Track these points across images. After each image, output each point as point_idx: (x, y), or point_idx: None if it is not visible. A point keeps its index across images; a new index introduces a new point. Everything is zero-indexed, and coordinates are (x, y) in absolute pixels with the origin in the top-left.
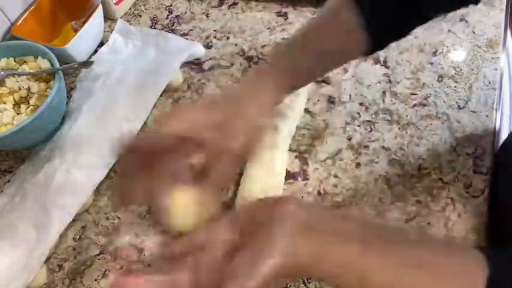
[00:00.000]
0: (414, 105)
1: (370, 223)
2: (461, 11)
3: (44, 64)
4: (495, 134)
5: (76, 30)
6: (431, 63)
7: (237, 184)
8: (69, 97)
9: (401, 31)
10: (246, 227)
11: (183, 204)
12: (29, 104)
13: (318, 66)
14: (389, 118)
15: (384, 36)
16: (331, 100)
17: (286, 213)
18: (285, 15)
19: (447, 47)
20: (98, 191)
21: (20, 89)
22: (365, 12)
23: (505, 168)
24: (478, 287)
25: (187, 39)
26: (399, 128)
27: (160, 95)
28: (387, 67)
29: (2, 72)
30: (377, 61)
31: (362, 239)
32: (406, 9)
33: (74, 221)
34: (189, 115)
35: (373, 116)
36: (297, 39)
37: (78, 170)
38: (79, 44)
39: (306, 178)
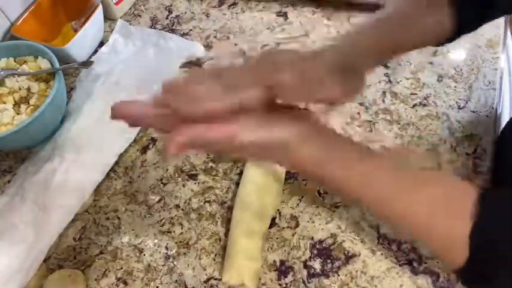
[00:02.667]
0: (414, 105)
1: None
2: None
3: (44, 64)
4: (495, 134)
5: (76, 30)
6: (431, 63)
7: (237, 184)
8: (69, 97)
9: (484, 18)
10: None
11: None
12: (29, 104)
13: (403, 41)
14: (389, 118)
15: (470, 20)
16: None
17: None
18: (285, 15)
19: (447, 47)
20: (98, 191)
21: (20, 89)
22: None
23: (504, 169)
24: (467, 204)
25: (187, 39)
26: (399, 128)
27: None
28: (387, 67)
29: (2, 72)
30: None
31: (366, 153)
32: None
33: (74, 221)
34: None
35: (373, 116)
36: (379, 18)
37: (78, 170)
38: (79, 44)
39: (306, 178)
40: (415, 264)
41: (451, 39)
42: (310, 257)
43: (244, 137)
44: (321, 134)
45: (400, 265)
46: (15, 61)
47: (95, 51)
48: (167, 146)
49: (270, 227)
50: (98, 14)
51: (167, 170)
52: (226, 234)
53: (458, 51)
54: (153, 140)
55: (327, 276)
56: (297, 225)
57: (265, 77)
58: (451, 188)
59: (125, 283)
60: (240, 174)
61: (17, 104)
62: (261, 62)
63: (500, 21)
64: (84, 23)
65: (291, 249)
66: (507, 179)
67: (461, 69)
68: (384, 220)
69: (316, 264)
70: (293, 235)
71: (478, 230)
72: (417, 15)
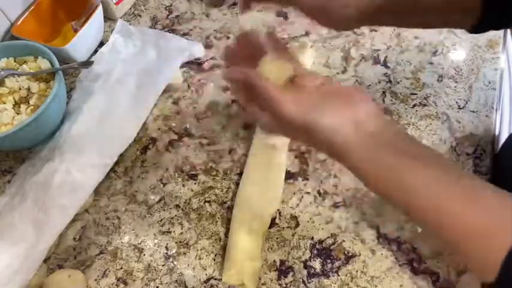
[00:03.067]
0: (414, 105)
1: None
2: None
3: (44, 64)
4: (495, 134)
5: (76, 30)
6: (431, 63)
7: (237, 184)
8: (69, 97)
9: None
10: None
11: (271, 70)
12: (29, 104)
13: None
14: (389, 118)
15: (495, 17)
16: None
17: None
18: (285, 15)
19: (447, 47)
20: (98, 191)
21: (20, 89)
22: None
23: (504, 171)
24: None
25: (187, 39)
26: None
27: (160, 95)
28: (387, 67)
29: (2, 72)
30: (377, 61)
31: (409, 153)
32: None
33: (74, 221)
34: None
35: None
36: None
37: (78, 170)
38: (79, 44)
39: (306, 178)
40: (415, 264)
41: (477, 28)
42: (310, 257)
43: (285, 109)
44: (366, 129)
45: (400, 265)
46: (15, 61)
47: (95, 51)
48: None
49: (270, 227)
50: (98, 14)
51: (167, 170)
52: (226, 234)
53: (458, 51)
54: (153, 140)
55: (327, 276)
56: (297, 225)
57: None
58: (499, 203)
59: (125, 283)
60: (240, 174)
61: (17, 104)
62: None
63: None
64: (84, 23)
65: (291, 249)
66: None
67: (461, 69)
68: (425, 225)
69: (316, 264)
70: (293, 235)
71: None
72: None
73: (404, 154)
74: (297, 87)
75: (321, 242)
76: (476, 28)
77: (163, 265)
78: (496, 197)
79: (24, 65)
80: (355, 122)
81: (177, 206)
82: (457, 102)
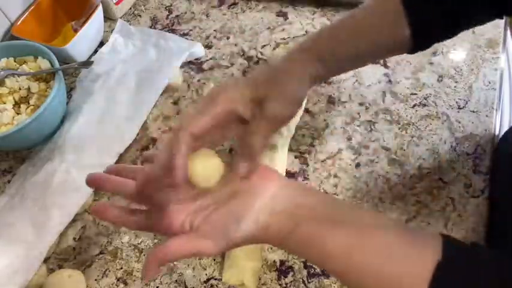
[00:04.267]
0: (414, 105)
1: (341, 203)
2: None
3: (44, 64)
4: (495, 134)
5: (76, 30)
6: (431, 63)
7: None
8: (69, 97)
9: (445, 34)
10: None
11: (202, 164)
12: (29, 104)
13: (356, 55)
14: (389, 118)
15: (426, 37)
16: (331, 100)
17: (267, 186)
18: (285, 15)
19: (447, 47)
20: (98, 191)
21: (20, 89)
22: (409, 10)
23: (504, 165)
24: (424, 272)
25: (187, 39)
26: (399, 128)
27: (160, 95)
28: (387, 67)
29: (2, 72)
30: (377, 61)
31: (328, 217)
32: (449, 15)
33: (74, 221)
34: (235, 92)
35: (373, 116)
36: (339, 25)
37: (78, 170)
38: (79, 44)
39: (306, 178)
40: None
41: (412, 50)
42: None
43: (208, 252)
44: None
45: None
46: (15, 61)
47: (95, 51)
48: (145, 267)
49: None
50: (98, 14)
51: None
52: None
53: (458, 51)
54: (153, 140)
55: (327, 276)
56: None
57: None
58: (411, 257)
59: (125, 283)
60: None
61: (17, 104)
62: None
63: (500, 21)
64: (84, 23)
65: None
66: (506, 177)
67: (461, 69)
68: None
69: None
70: None
71: None
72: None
73: (318, 217)
74: (204, 213)
75: None
76: (413, 50)
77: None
78: (409, 247)
79: (24, 65)
80: (268, 211)
81: None
82: (457, 102)
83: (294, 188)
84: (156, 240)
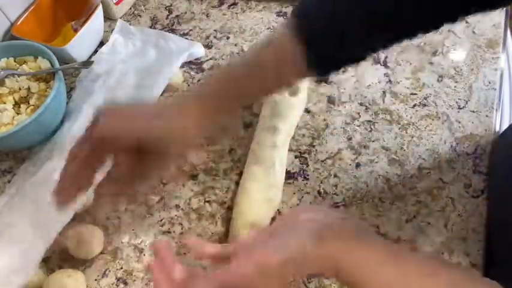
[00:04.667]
0: (414, 105)
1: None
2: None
3: (44, 64)
4: (495, 134)
5: (76, 30)
6: (431, 63)
7: (237, 184)
8: (69, 97)
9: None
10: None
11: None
12: (29, 104)
13: (249, 95)
14: (389, 118)
15: (328, 68)
16: (331, 100)
17: (299, 222)
18: (285, 15)
19: (447, 47)
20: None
21: (20, 89)
22: (308, 46)
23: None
24: None
25: (187, 39)
26: (399, 128)
27: (160, 95)
28: (387, 67)
29: (2, 72)
30: (377, 61)
31: (384, 251)
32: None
33: (73, 221)
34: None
35: (373, 116)
36: (231, 71)
37: None
38: (79, 44)
39: (306, 178)
40: None
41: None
42: None
43: (237, 277)
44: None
45: None
46: (15, 61)
47: (95, 51)
48: None
49: None
50: (98, 14)
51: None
52: (226, 234)
53: (458, 51)
54: None
55: (327, 276)
56: None
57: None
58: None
59: (125, 283)
60: (240, 174)
61: (17, 104)
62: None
63: (501, 21)
64: (84, 23)
65: None
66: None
67: (461, 69)
68: None
69: None
70: None
71: None
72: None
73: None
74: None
75: None
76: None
77: None
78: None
79: (24, 65)
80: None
81: (177, 206)
82: (457, 102)
83: None
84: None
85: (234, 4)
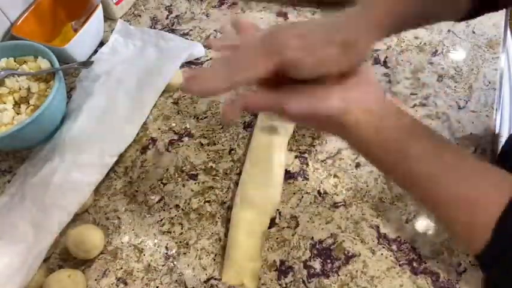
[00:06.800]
0: (414, 105)
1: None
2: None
3: (44, 64)
4: (495, 134)
5: (76, 30)
6: (431, 63)
7: (237, 184)
8: (69, 97)
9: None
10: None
11: None
12: (29, 104)
13: (415, 13)
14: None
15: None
16: None
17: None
18: (285, 15)
19: (447, 47)
20: (97, 191)
21: (20, 89)
22: None
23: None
24: (509, 190)
25: (187, 39)
26: None
27: (160, 95)
28: (387, 67)
29: (2, 72)
30: (377, 61)
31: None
32: None
33: (74, 221)
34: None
35: None
36: None
37: (78, 170)
38: (79, 44)
39: (306, 178)
40: (415, 264)
41: (469, 15)
42: (310, 257)
43: (292, 109)
44: (374, 104)
45: (400, 265)
46: (15, 61)
47: (95, 51)
48: (225, 109)
49: (270, 227)
50: (98, 14)
51: (167, 170)
52: (226, 234)
53: (458, 51)
54: (153, 140)
55: (327, 276)
56: (297, 225)
57: (270, 54)
58: (499, 178)
59: (125, 283)
60: (240, 174)
61: (17, 104)
62: (266, 40)
63: (501, 21)
64: (84, 23)
65: (291, 249)
66: None
67: (461, 69)
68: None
69: (316, 264)
70: (293, 235)
71: (505, 220)
72: None
73: (405, 126)
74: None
75: (321, 242)
76: (467, 16)
77: (163, 265)
78: (484, 168)
79: (24, 65)
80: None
81: (177, 206)
82: (457, 102)
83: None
84: (156, 240)
85: (234, 4)
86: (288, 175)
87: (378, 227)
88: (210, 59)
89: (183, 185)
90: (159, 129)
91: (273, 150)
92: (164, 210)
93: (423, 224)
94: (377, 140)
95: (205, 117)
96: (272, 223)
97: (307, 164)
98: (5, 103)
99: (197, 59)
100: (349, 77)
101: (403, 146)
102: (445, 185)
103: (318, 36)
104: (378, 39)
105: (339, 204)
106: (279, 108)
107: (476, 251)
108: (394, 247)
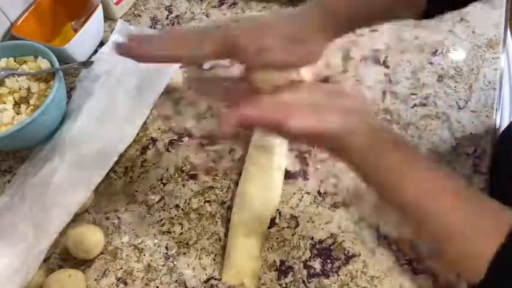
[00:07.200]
0: (414, 105)
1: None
2: (462, 11)
3: (44, 64)
4: (495, 134)
5: (76, 30)
6: (431, 63)
7: (237, 184)
8: (69, 97)
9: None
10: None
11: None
12: (29, 104)
13: (367, 13)
14: (389, 118)
15: (439, 2)
16: None
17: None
18: None
19: (447, 47)
20: (97, 191)
21: (20, 89)
22: None
23: (504, 164)
24: (504, 226)
25: None
26: (399, 128)
27: (160, 95)
28: (387, 67)
29: (2, 72)
30: (377, 61)
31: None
32: None
33: (74, 221)
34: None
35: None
36: None
37: (78, 170)
38: (79, 44)
39: (306, 178)
40: (415, 264)
41: (426, 15)
42: (310, 257)
43: (293, 124)
44: (371, 128)
45: (400, 265)
46: (15, 61)
47: (95, 51)
48: (224, 120)
49: (270, 227)
50: (98, 14)
51: (167, 170)
52: (226, 234)
53: (458, 51)
54: (153, 140)
55: (327, 276)
56: (297, 225)
57: (216, 38)
58: (493, 211)
59: (125, 283)
60: (240, 174)
61: (17, 104)
62: (211, 28)
63: (501, 21)
64: (84, 23)
65: (291, 249)
66: (506, 179)
67: (461, 69)
68: (413, 221)
69: (316, 264)
70: (293, 235)
71: (501, 260)
72: None
73: (403, 149)
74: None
75: (321, 242)
76: (423, 15)
77: (163, 265)
78: (480, 198)
79: (24, 65)
80: (358, 114)
81: (177, 206)
82: (457, 102)
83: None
84: (156, 240)
85: (234, 4)
86: (288, 175)
87: (378, 227)
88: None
89: (183, 185)
90: (159, 129)
91: (272, 150)
92: (164, 210)
93: None
94: (374, 165)
95: (205, 117)
96: (272, 223)
97: (307, 164)
98: (5, 103)
99: None
100: (342, 95)
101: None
102: (446, 222)
103: (264, 28)
104: (331, 38)
105: (339, 204)
106: (277, 123)
107: (471, 283)
108: (394, 247)
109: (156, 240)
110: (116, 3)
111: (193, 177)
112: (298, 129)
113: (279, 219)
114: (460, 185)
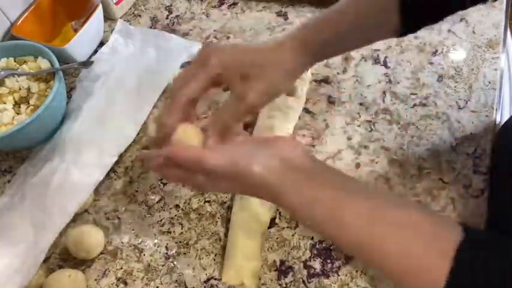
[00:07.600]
0: (414, 105)
1: (356, 181)
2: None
3: (44, 64)
4: (495, 134)
5: (76, 30)
6: (431, 63)
7: None
8: (69, 97)
9: (435, 16)
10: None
11: (186, 137)
12: (29, 104)
13: (345, 40)
14: (389, 118)
15: (416, 19)
16: (331, 100)
17: (290, 146)
18: (285, 15)
19: (447, 47)
20: (97, 191)
21: (20, 89)
22: None
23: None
24: (448, 250)
25: (187, 39)
26: (399, 128)
27: (160, 95)
28: (387, 67)
29: (2, 72)
30: (377, 61)
31: (341, 188)
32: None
33: (74, 221)
34: (227, 58)
35: (373, 116)
36: (330, 12)
37: (78, 170)
38: (79, 44)
39: None
40: None
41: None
42: (310, 257)
43: (210, 161)
44: (296, 167)
45: None
46: (15, 61)
47: (95, 51)
48: (146, 164)
49: (270, 227)
50: (98, 14)
51: None
52: (226, 234)
53: (458, 51)
54: None
55: (327, 276)
56: (297, 225)
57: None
58: (435, 233)
59: (125, 283)
60: None
61: (17, 104)
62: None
63: (501, 21)
64: (84, 23)
65: (291, 249)
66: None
67: (461, 69)
68: (354, 251)
69: (316, 264)
70: (293, 235)
71: (454, 278)
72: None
73: (337, 188)
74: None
75: (321, 242)
76: (401, 34)
77: (163, 265)
78: (430, 226)
79: (24, 65)
80: (284, 161)
81: (177, 206)
82: (457, 102)
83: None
84: (156, 241)
85: (234, 4)
86: None
87: None
88: None
89: (183, 185)
90: None
91: None
92: (164, 210)
93: None
94: (301, 202)
95: (205, 117)
96: (272, 223)
97: None
98: (5, 103)
99: None
100: (267, 141)
101: (337, 215)
102: (388, 254)
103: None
104: (307, 66)
105: None
106: (196, 161)
107: None
108: None
109: (156, 240)
110: (116, 3)
111: None
112: (217, 167)
113: (279, 219)
114: (398, 212)
